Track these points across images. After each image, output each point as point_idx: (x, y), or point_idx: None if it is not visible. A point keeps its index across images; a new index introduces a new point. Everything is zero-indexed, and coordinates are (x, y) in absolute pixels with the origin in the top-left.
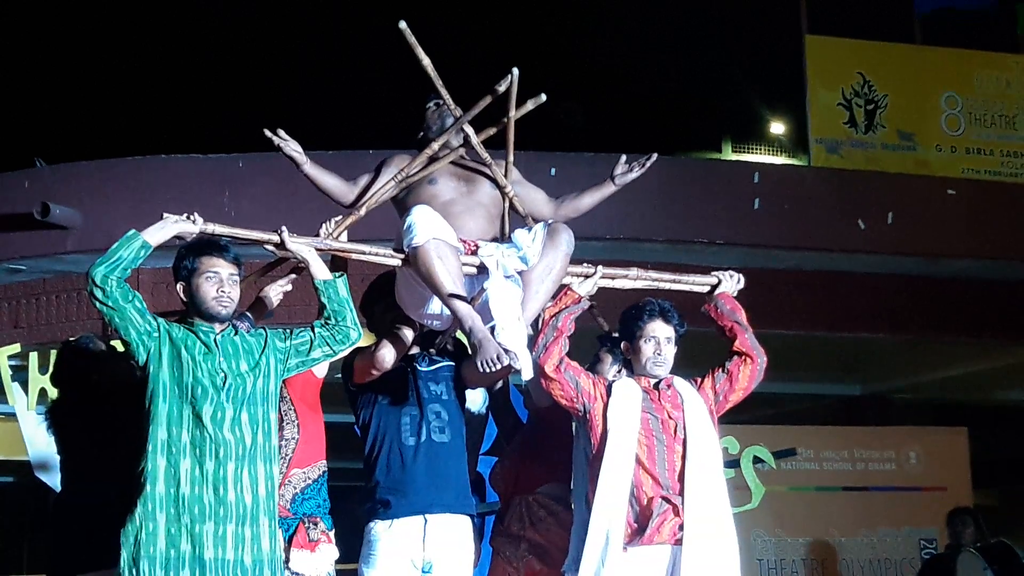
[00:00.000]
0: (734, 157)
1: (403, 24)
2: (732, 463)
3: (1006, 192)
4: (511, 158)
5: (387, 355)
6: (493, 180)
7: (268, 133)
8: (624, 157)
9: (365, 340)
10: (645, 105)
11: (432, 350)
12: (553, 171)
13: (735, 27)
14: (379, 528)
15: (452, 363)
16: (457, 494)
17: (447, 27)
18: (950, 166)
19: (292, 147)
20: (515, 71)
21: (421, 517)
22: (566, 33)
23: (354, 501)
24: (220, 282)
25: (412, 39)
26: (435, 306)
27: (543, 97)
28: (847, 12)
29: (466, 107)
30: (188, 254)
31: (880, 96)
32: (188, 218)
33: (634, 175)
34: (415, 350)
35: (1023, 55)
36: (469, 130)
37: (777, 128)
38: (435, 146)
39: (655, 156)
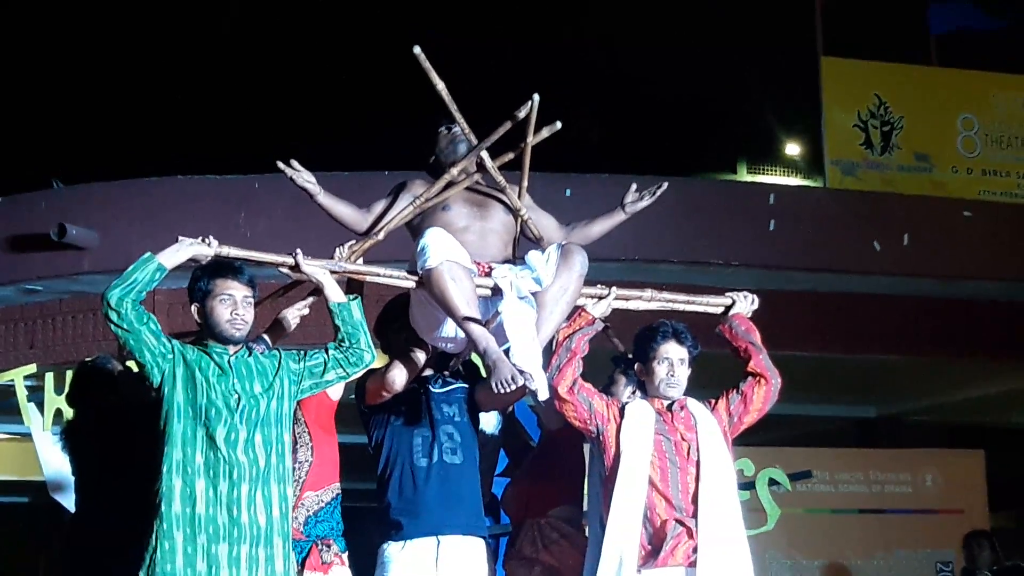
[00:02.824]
0: (749, 178)
1: (417, 49)
2: (747, 485)
3: (1023, 214)
4: (525, 184)
5: (398, 377)
6: (506, 205)
7: (281, 165)
8: (635, 185)
9: (379, 362)
10: (661, 126)
11: (446, 372)
12: (568, 192)
13: (751, 48)
14: (392, 550)
15: (465, 385)
16: (470, 515)
17: (461, 45)
18: (966, 188)
19: (305, 178)
20: (536, 97)
21: (434, 538)
22: (582, 54)
23: (369, 522)
24: (234, 304)
25: (427, 64)
26: (449, 329)
27: (558, 125)
28: (863, 33)
29: (479, 128)
30: (203, 276)
31: (896, 117)
32: (203, 241)
33: (645, 203)
34: (428, 372)
35: None
36: (484, 155)
37: (793, 149)
38: (454, 171)
39: (665, 185)
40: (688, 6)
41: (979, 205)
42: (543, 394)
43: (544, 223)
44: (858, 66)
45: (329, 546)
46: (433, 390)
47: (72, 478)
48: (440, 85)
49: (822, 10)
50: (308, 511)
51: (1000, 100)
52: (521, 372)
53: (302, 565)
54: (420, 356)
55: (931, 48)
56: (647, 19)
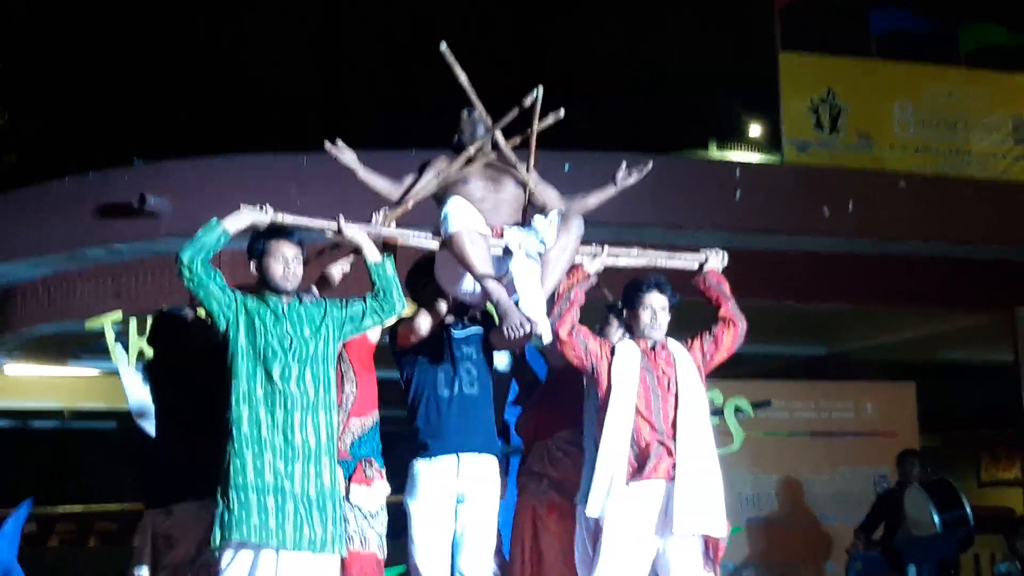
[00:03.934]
0: (719, 155)
1: (444, 46)
2: (717, 412)
3: (948, 185)
4: (532, 161)
5: (423, 324)
6: (516, 179)
7: (328, 146)
8: (624, 164)
9: (409, 310)
10: (644, 111)
11: (465, 318)
12: (567, 167)
13: (720, 45)
14: (421, 465)
15: (481, 330)
16: (485, 438)
17: (476, 46)
18: (901, 163)
19: (348, 157)
20: (540, 89)
21: (455, 456)
22: (578, 51)
23: (402, 443)
24: (286, 262)
25: (451, 59)
26: (467, 283)
27: (562, 113)
28: (815, 32)
29: (494, 114)
30: (260, 238)
31: (842, 103)
32: (261, 209)
33: (633, 180)
34: (450, 319)
35: (964, 69)
36: (499, 136)
37: (755, 131)
38: (471, 150)
39: (650, 164)
40: (669, 13)
41: (912, 178)
42: (547, 337)
43: (548, 194)
44: (810, 60)
45: (371, 463)
46: (454, 333)
47: (152, 407)
48: (462, 76)
49: (780, 13)
50: (353, 435)
51: (930, 88)
52: (528, 319)
53: (349, 479)
54: (443, 306)
55: (872, 45)
56: (634, 22)
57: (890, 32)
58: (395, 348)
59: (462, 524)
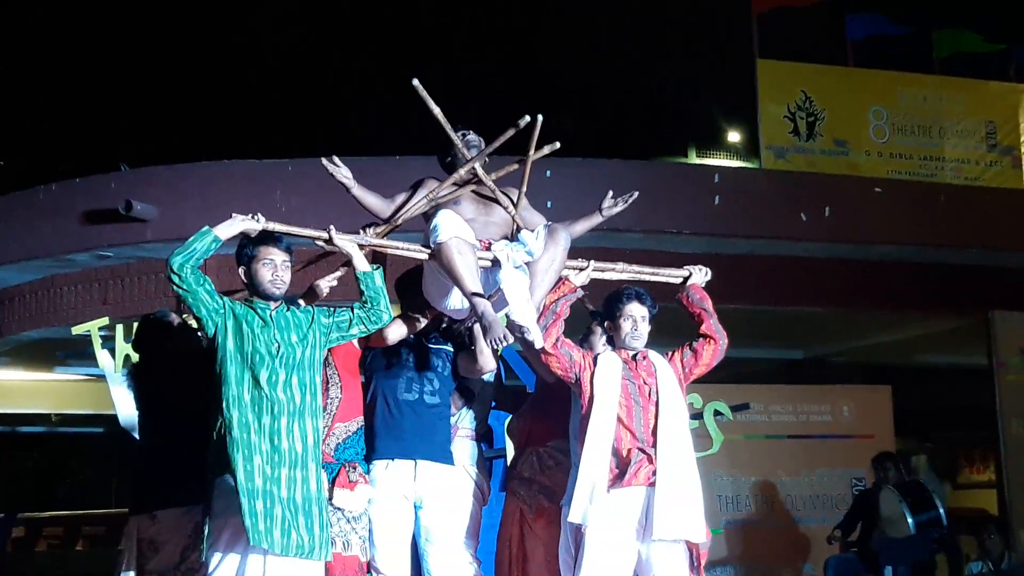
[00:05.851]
0: (698, 161)
1: (416, 82)
2: (696, 416)
3: (923, 190)
4: (524, 188)
5: (395, 332)
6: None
7: (324, 161)
8: (611, 192)
9: (395, 312)
10: (624, 118)
11: (439, 333)
12: (549, 173)
13: (699, 53)
14: (378, 469)
15: (451, 349)
16: (441, 447)
17: (462, 53)
18: (877, 168)
19: (343, 174)
20: (540, 117)
21: (412, 461)
22: (562, 60)
23: None
24: (274, 268)
25: (423, 93)
26: (455, 299)
27: (557, 144)
28: (791, 39)
29: (472, 122)
30: (248, 244)
31: (819, 110)
32: (252, 217)
33: (618, 209)
34: (428, 330)
35: (938, 76)
36: (478, 167)
37: (734, 137)
38: (461, 172)
39: (636, 194)
40: (648, 21)
41: (888, 183)
42: (539, 343)
43: (535, 220)
44: (787, 67)
45: (355, 468)
46: (427, 344)
47: (137, 412)
48: (436, 111)
49: (757, 21)
50: (338, 439)
51: (905, 95)
52: (520, 327)
53: (332, 483)
54: (421, 320)
55: (848, 52)
56: (614, 31)
57: (866, 38)
58: (365, 344)
59: (424, 529)
